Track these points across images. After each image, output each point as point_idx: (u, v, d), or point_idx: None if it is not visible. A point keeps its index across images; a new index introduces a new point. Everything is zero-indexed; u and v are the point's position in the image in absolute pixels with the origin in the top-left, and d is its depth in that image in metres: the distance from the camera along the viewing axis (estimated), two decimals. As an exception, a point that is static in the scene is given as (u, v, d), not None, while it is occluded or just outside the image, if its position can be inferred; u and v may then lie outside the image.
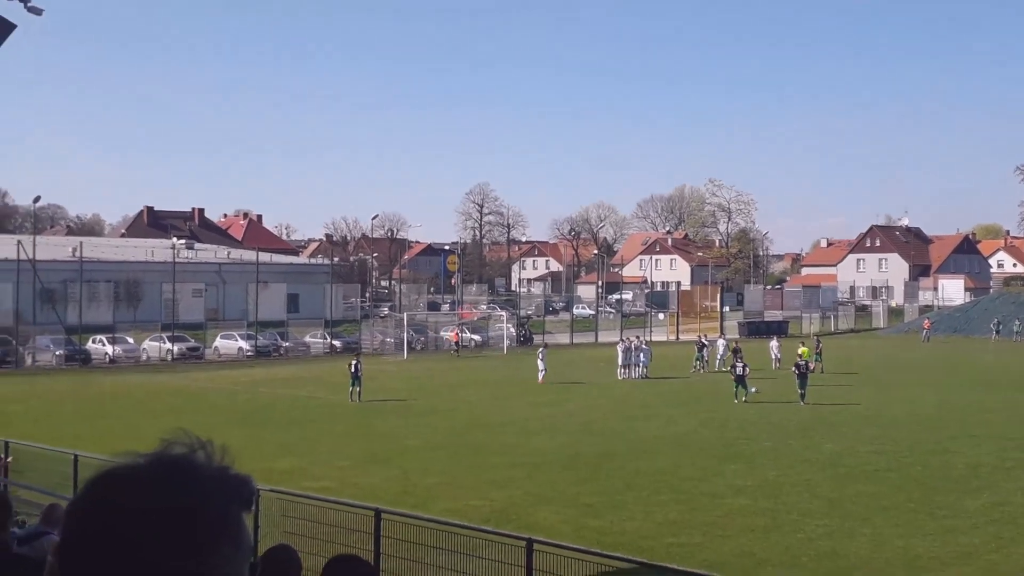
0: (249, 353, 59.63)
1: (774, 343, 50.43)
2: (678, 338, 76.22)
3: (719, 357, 48.63)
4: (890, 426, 30.00)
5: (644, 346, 46.97)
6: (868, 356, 58.42)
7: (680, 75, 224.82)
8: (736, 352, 43.66)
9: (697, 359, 48.34)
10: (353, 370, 37.30)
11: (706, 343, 49.04)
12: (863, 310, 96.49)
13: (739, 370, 36.22)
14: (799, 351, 42.00)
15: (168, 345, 58.20)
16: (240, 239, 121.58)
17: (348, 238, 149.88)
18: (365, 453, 25.48)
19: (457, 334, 63.17)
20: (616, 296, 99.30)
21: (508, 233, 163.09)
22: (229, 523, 1.57)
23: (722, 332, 61.39)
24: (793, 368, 36.90)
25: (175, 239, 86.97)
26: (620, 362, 45.34)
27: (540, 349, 45.20)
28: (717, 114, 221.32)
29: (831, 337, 77.02)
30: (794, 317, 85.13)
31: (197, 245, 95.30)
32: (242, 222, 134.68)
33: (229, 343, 60.84)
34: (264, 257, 74.47)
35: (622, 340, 47.48)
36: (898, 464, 23.66)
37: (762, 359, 48.01)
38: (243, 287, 65.74)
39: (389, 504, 17.34)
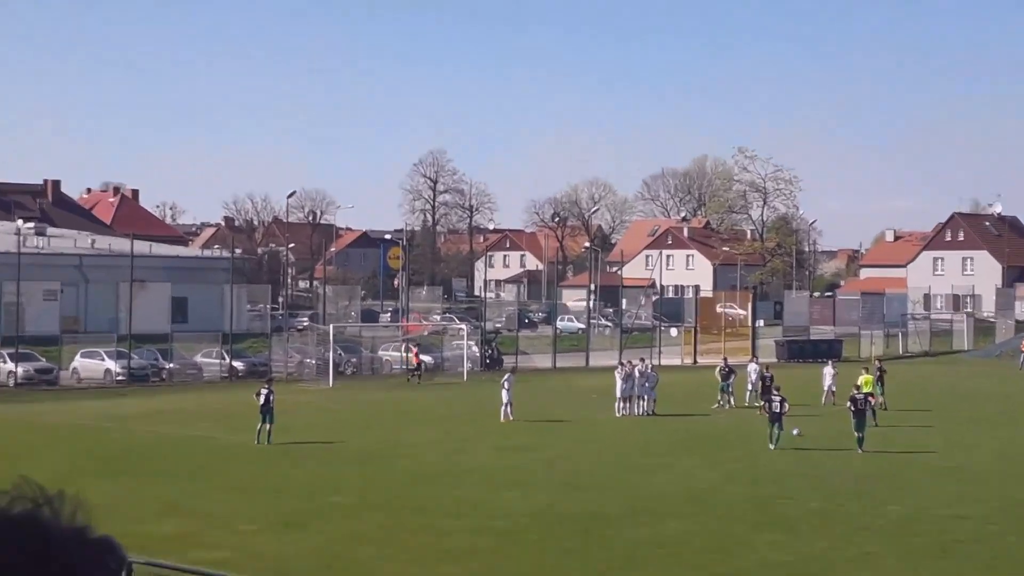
0: (120, 377, 59.32)
1: (828, 370, 50.73)
2: (695, 361, 76.58)
3: (749, 388, 48.92)
4: (976, 481, 30.28)
5: (650, 372, 47.16)
6: (947, 388, 58.92)
7: (696, 11, 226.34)
8: (768, 381, 43.84)
9: (722, 390, 48.66)
10: (263, 401, 37.28)
11: (733, 370, 49.33)
12: (941, 326, 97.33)
13: (775, 406, 36.47)
14: (858, 381, 42.29)
15: (10, 365, 57.78)
16: (109, 222, 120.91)
17: (255, 223, 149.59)
18: (276, 513, 25.41)
19: (418, 355, 63.47)
20: (612, 307, 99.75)
21: (471, 218, 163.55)
22: None
23: (754, 354, 61.67)
24: (849, 404, 37.20)
25: (20, 222, 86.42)
26: (619, 393, 45.54)
27: (506, 376, 45.38)
28: (748, 65, 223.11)
29: (898, 362, 77.65)
30: (850, 335, 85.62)
31: (50, 230, 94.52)
32: (111, 200, 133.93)
33: (93, 363, 60.51)
34: (141, 247, 74.13)
35: (621, 364, 47.66)
36: (986, 533, 23.89)
37: (807, 391, 48.31)
38: (112, 288, 65.31)
39: (308, 583, 17.29)
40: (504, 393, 43.44)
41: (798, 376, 53.08)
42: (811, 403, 49.12)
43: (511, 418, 42.86)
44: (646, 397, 45.86)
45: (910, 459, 34.21)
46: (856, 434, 35.65)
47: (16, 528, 1.58)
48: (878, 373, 49.28)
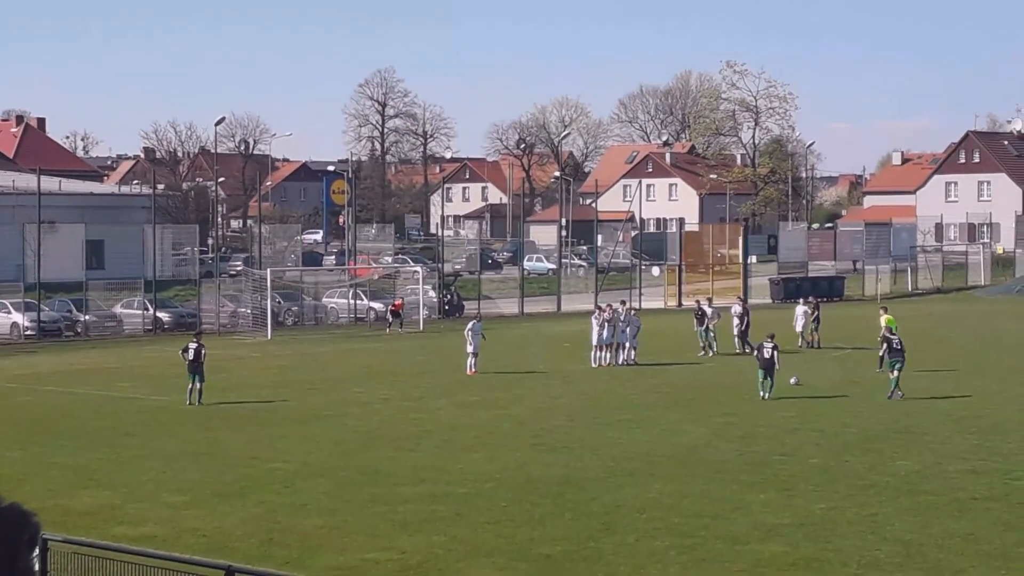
0: (29, 332, 59.15)
1: (801, 309, 51.52)
2: (680, 303, 76.92)
3: (736, 331, 49.10)
4: (993, 433, 30.62)
5: (633, 317, 47.36)
6: (962, 328, 59.45)
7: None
8: (744, 326, 44.49)
9: (702, 336, 48.88)
10: (192, 357, 37.23)
11: (708, 311, 49.43)
12: (955, 259, 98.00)
13: (766, 352, 36.71)
14: (881, 321, 42.57)
15: (-97, 321, 57.40)
16: (11, 156, 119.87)
17: (179, 154, 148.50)
18: (209, 483, 25.45)
19: (402, 302, 65.06)
20: (586, 244, 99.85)
21: (425, 146, 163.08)
22: (16, 571, 1.60)
23: (744, 295, 61.92)
24: (882, 344, 38.22)
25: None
26: (595, 341, 45.69)
27: (470, 323, 45.47)
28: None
29: (907, 300, 78.26)
30: (853, 272, 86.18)
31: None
32: (14, 130, 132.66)
33: (-2, 317, 60.21)
34: (50, 183, 73.57)
35: (600, 309, 47.77)
36: (1005, 490, 24.18)
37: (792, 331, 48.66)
38: (17, 230, 64.80)
39: (247, 560, 17.35)
40: (468, 344, 43.55)
41: (787, 318, 53.36)
42: (809, 348, 49.58)
43: (475, 371, 43.01)
44: (627, 345, 46.03)
45: (922, 408, 34.54)
46: (893, 373, 36.26)
47: None
48: (815, 312, 50.44)
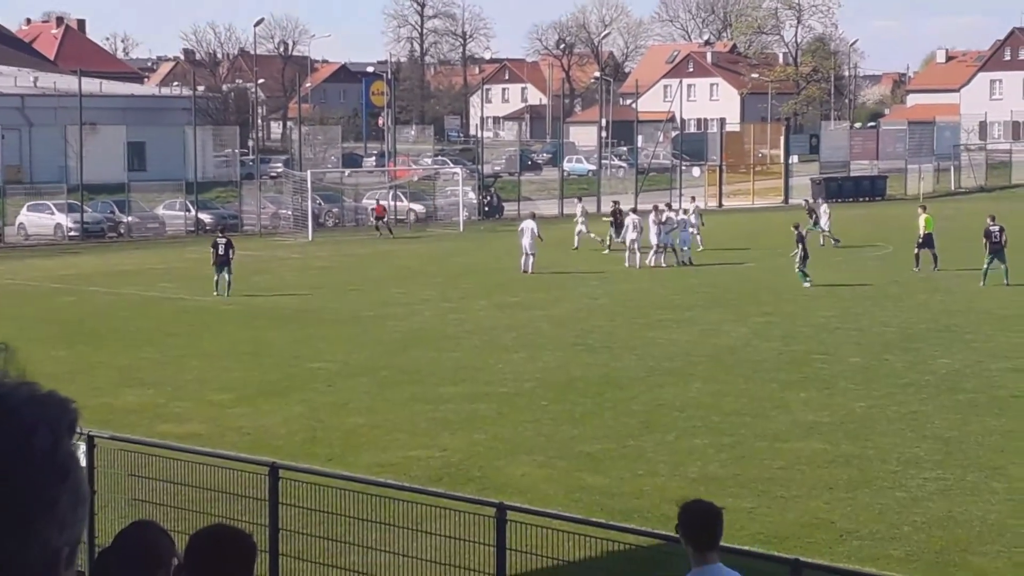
0: (72, 233, 59.46)
1: (824, 208, 52.22)
2: (721, 204, 76.62)
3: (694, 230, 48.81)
4: (1035, 332, 30.52)
5: (691, 216, 48.18)
6: (1005, 227, 58.86)
7: None
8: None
9: (611, 236, 49.97)
10: (221, 252, 38.51)
11: (623, 213, 49.63)
12: (999, 158, 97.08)
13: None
14: (919, 221, 42.61)
15: (-52, 223, 57.80)
16: (52, 58, 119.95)
17: (218, 56, 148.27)
18: (252, 381, 25.68)
19: (382, 207, 62.68)
20: (626, 145, 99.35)
21: (464, 47, 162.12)
22: (60, 458, 1.63)
23: (787, 194, 61.76)
24: (984, 239, 39.40)
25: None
26: (655, 241, 45.42)
27: (526, 222, 45.05)
28: None
29: (949, 199, 77.65)
30: (895, 170, 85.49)
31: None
32: (54, 32, 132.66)
33: (41, 218, 60.62)
34: (91, 85, 73.52)
35: (658, 209, 47.45)
36: (1046, 388, 24.14)
37: (848, 233, 48.48)
38: (59, 131, 65.00)
39: (290, 457, 17.54)
40: (525, 240, 43.42)
41: (837, 217, 53.16)
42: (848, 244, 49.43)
43: (529, 271, 43.19)
44: (680, 244, 46.14)
45: (962, 307, 34.45)
46: (1002, 265, 38.20)
47: None
48: (812, 215, 51.73)
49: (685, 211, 50.10)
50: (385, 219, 61.28)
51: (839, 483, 17.97)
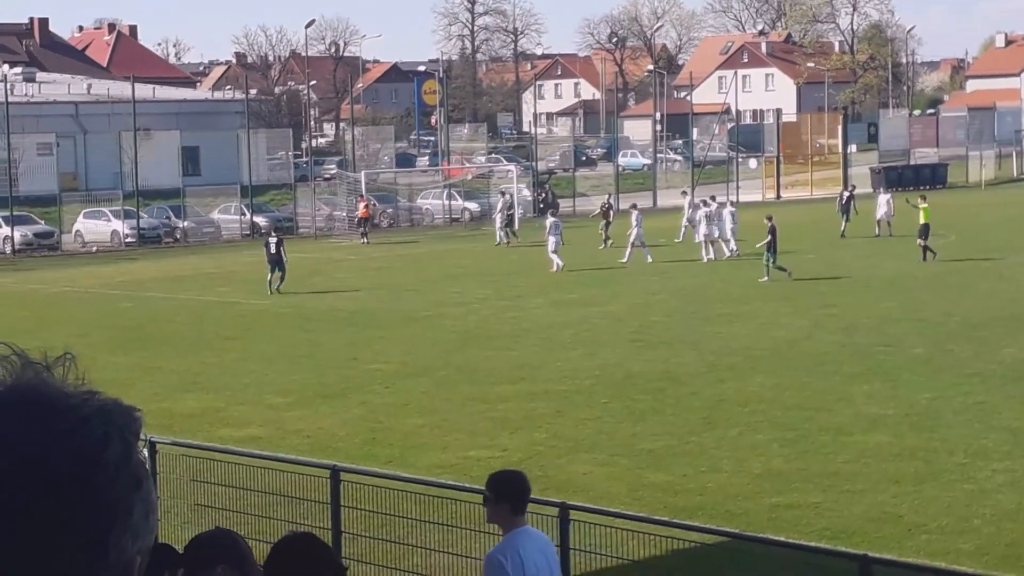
0: (129, 239, 59.92)
1: (884, 198, 52.53)
2: (779, 196, 76.23)
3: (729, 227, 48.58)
4: (1103, 319, 30.18)
5: (729, 207, 47.72)
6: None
7: None
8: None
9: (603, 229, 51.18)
10: (273, 251, 40.04)
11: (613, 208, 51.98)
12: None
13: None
14: (920, 211, 42.91)
15: (5, 230, 58.42)
16: (105, 64, 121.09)
17: (270, 59, 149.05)
18: (310, 384, 25.77)
19: (368, 206, 60.12)
20: (682, 138, 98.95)
21: (516, 43, 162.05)
22: (132, 467, 1.65)
23: (846, 183, 61.38)
24: None
25: (5, 67, 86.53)
26: (702, 235, 45.55)
27: (551, 220, 45.29)
28: None
29: (1012, 186, 76.88)
30: (956, 158, 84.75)
31: (40, 75, 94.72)
32: (107, 38, 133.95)
33: (98, 225, 61.10)
34: (144, 91, 74.24)
35: (705, 203, 47.62)
36: (1115, 376, 23.87)
37: (906, 223, 48.06)
38: (114, 138, 65.55)
39: (350, 459, 17.60)
40: (550, 239, 43.71)
41: (898, 207, 52.85)
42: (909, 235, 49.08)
43: (555, 268, 43.43)
44: (727, 234, 46.30)
45: (1027, 297, 34.12)
46: None
47: (33, 397, 1.63)
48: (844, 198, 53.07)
49: (721, 203, 49.81)
50: (369, 223, 59.27)
51: (906, 476, 17.83)
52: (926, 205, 43.67)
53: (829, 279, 39.15)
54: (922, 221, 42.83)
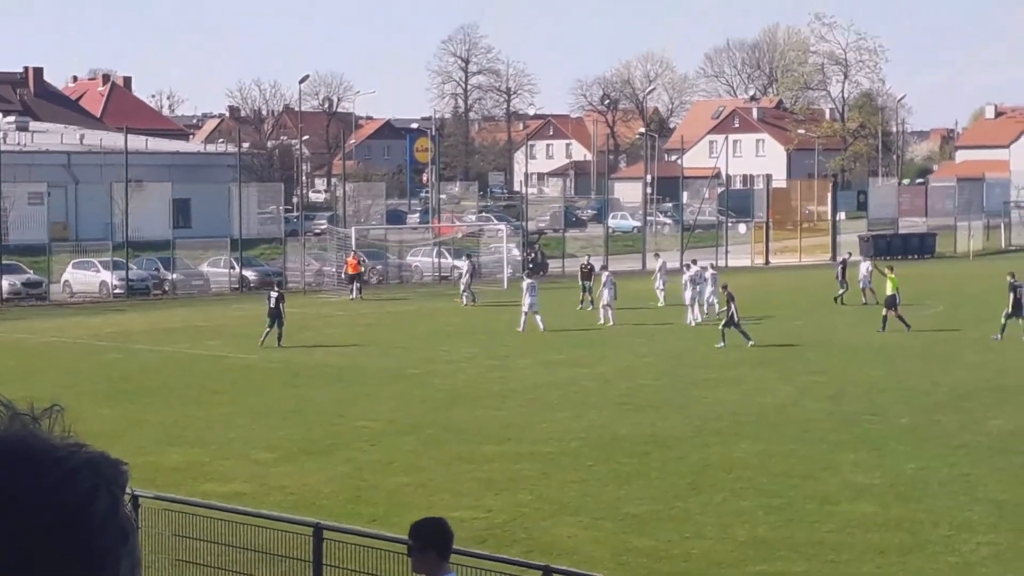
0: (118, 290, 59.80)
1: (866, 265, 53.02)
2: (767, 261, 76.41)
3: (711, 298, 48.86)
4: (1089, 392, 30.21)
5: (708, 276, 47.88)
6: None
7: None
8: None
9: (583, 289, 51.35)
10: (272, 305, 40.53)
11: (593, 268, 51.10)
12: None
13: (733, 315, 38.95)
14: (888, 281, 43.22)
15: (-6, 279, 58.21)
16: (99, 115, 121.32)
17: (264, 113, 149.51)
18: (296, 440, 25.70)
19: (357, 260, 59.93)
20: (672, 201, 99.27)
21: (508, 103, 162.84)
22: (120, 520, 1.65)
23: (835, 251, 61.66)
24: (1010, 293, 40.05)
25: None
26: (687, 298, 45.64)
27: (527, 281, 45.21)
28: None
29: (1000, 257, 77.13)
30: (945, 227, 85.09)
31: (33, 124, 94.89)
32: (101, 89, 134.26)
33: (87, 275, 61.02)
34: (136, 142, 74.38)
35: (685, 266, 48.21)
36: (1101, 449, 23.86)
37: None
38: (105, 189, 65.58)
39: (334, 517, 17.52)
40: (527, 298, 43.84)
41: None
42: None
43: (523, 329, 43.47)
44: (706, 301, 46.44)
45: (1015, 367, 34.16)
46: (1019, 321, 39.25)
47: (18, 447, 1.64)
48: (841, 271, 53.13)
49: (703, 267, 50.04)
50: (361, 278, 59.08)
51: (890, 547, 17.80)
52: (893, 276, 43.73)
53: (816, 345, 39.20)
54: (888, 292, 42.92)
